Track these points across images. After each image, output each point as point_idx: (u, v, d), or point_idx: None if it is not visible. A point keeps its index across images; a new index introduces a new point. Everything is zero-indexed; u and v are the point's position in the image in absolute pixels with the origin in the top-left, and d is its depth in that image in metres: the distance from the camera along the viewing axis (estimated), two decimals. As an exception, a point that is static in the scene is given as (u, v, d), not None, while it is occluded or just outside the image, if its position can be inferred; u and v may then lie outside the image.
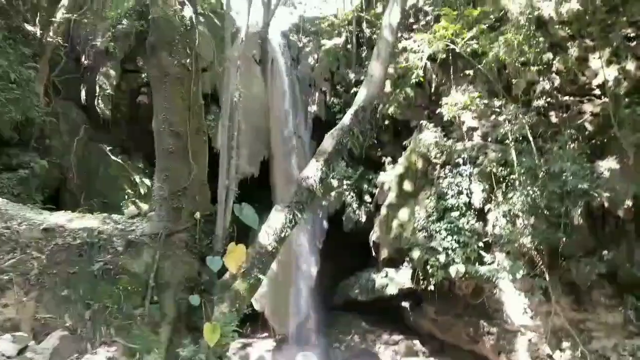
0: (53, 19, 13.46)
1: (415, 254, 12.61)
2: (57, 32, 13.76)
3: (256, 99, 16.38)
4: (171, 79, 5.54)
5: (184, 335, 5.13)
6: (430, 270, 12.38)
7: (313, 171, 6.55)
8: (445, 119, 13.25)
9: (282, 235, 6.21)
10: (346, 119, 7.00)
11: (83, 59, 15.22)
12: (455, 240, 12.25)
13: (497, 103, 12.57)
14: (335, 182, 16.40)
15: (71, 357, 3.90)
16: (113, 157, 14.36)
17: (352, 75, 17.11)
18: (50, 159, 12.62)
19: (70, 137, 14.02)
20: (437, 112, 14.45)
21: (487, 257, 11.96)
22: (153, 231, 5.32)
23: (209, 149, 14.75)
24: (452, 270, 12.01)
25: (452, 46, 12.77)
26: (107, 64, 14.97)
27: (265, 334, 15.45)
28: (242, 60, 16.93)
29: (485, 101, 12.63)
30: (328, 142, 6.78)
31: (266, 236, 6.20)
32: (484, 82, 13.34)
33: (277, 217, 6.30)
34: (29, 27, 13.68)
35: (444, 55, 13.86)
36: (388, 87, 15.84)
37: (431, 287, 12.52)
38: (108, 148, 14.70)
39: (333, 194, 16.29)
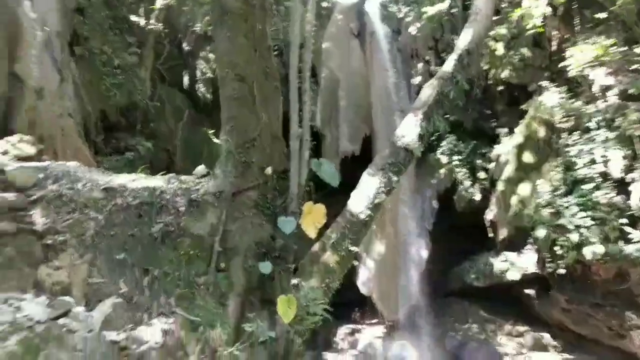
0: (153, 7, 13.74)
1: (540, 233, 10.99)
2: (159, 19, 14.04)
3: (356, 74, 15.61)
4: (232, 16, 4.89)
5: (257, 309, 4.50)
6: (559, 252, 10.71)
7: (410, 127, 5.59)
8: (571, 74, 11.36)
9: (376, 201, 5.36)
10: (448, 65, 5.92)
11: (184, 45, 15.48)
12: (589, 216, 10.45)
13: (638, 51, 10.44)
14: (444, 158, 15.09)
15: (124, 327, 3.43)
16: (215, 140, 14.39)
17: (457, 40, 15.55)
18: (156, 142, 12.88)
19: (175, 121, 14.29)
20: (559, 72, 12.57)
21: (634, 235, 10.00)
22: (218, 189, 4.76)
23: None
24: (587, 251, 10.25)
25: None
26: (207, 47, 15.05)
27: (375, 320, 14.72)
28: (339, 34, 16.28)
29: (624, 48, 10.57)
30: (427, 92, 5.75)
31: (358, 203, 5.38)
32: (619, 29, 11.20)
33: (369, 182, 5.46)
34: (133, 18, 14.13)
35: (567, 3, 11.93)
36: (500, 50, 14.17)
37: (561, 271, 10.82)
38: (211, 131, 14.79)
39: (442, 171, 14.99)
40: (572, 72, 11.17)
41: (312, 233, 4.65)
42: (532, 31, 12.03)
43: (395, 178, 5.49)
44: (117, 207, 4.44)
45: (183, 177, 5.13)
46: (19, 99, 7.84)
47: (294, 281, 4.87)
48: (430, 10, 16.44)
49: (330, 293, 5.10)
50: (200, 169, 5.33)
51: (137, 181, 4.89)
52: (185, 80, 15.57)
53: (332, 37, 15.93)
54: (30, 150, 5.57)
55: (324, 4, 16.61)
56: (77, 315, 2.97)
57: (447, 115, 13.12)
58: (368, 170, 5.55)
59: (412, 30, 16.80)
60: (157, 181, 4.94)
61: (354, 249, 5.21)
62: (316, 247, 5.32)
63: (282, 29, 15.15)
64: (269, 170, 4.81)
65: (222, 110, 4.91)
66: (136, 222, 4.40)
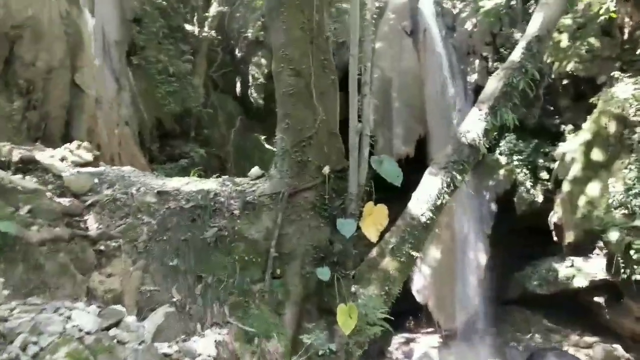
0: (207, 14, 13.96)
1: (613, 236, 10.22)
2: (212, 27, 14.25)
3: (408, 74, 15.20)
4: (287, 7, 4.71)
5: (314, 319, 4.27)
6: (635, 256, 9.92)
7: (475, 122, 5.21)
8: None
9: (439, 203, 5.01)
10: (516, 54, 5.50)
11: (237, 51, 15.63)
12: (668, 218, 9.64)
13: None
14: (503, 159, 14.44)
15: (176, 338, 3.30)
16: (268, 146, 14.41)
17: (518, 35, 14.82)
18: (209, 149, 13.02)
19: (227, 128, 14.43)
20: (632, 61, 11.72)
21: None
22: (274, 190, 4.57)
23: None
24: (667, 256, 9.44)
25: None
26: (258, 53, 15.13)
27: (430, 329, 14.21)
28: (391, 33, 15.95)
29: None
30: (493, 84, 5.36)
31: (418, 205, 5.07)
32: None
33: (431, 182, 5.13)
34: (187, 27, 14.41)
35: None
36: (565, 41, 13.41)
37: (636, 277, 10.02)
38: (263, 137, 14.82)
39: (501, 172, 14.33)
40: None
41: (373, 236, 4.39)
42: (603, 17, 11.24)
43: (459, 177, 5.12)
44: (170, 211, 4.36)
45: (237, 179, 5.01)
46: (79, 107, 8.08)
47: (352, 289, 4.64)
48: (487, 5, 15.86)
49: (390, 301, 4.81)
50: (255, 170, 5.20)
51: (190, 184, 4.82)
52: (238, 86, 15.71)
53: (384, 36, 15.62)
54: (88, 156, 5.66)
55: (376, 3, 16.31)
56: (128, 325, 2.87)
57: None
58: (430, 169, 5.23)
59: (468, 26, 16.24)
60: (211, 184, 4.85)
61: (415, 253, 4.89)
62: (374, 252, 5.05)
63: (332, 31, 15.03)
64: (326, 169, 4.57)
65: (277, 107, 4.75)
66: (189, 226, 4.30)
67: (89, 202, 4.30)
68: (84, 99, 8.07)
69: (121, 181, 4.72)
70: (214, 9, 14.32)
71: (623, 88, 11.09)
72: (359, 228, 4.46)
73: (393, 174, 4.38)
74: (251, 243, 4.32)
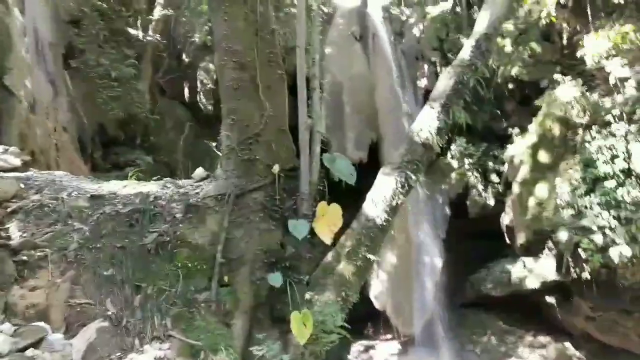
0: (151, 17, 13.43)
1: (562, 235, 10.41)
2: (156, 30, 13.73)
3: (359, 78, 15.18)
4: (230, -3, 4.44)
5: (266, 329, 3.96)
6: (583, 255, 10.13)
7: (428, 120, 5.11)
8: (588, 66, 10.88)
9: (394, 203, 4.85)
10: (465, 52, 5.47)
11: (184, 56, 15.15)
12: (613, 216, 9.89)
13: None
14: (455, 163, 14.58)
15: (111, 355, 2.92)
16: (218, 152, 13.93)
17: (464, 40, 15.08)
18: (157, 156, 12.46)
19: (176, 135, 13.91)
20: (571, 66, 12.11)
21: (666, 232, 9.45)
22: (219, 191, 4.25)
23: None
24: (614, 253, 9.69)
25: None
26: (206, 58, 14.71)
27: (389, 336, 14.05)
28: (340, 38, 15.90)
29: (642, 37, 10.10)
30: (444, 82, 5.30)
31: (373, 206, 4.89)
32: (635, 16, 10.74)
33: (385, 182, 4.97)
34: (131, 31, 13.80)
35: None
36: (509, 46, 13.73)
37: (586, 276, 10.23)
38: (214, 143, 14.32)
39: (453, 176, 14.46)
40: (589, 62, 10.68)
41: (327, 238, 4.15)
42: (543, 21, 11.55)
43: (413, 177, 4.99)
44: (105, 217, 3.96)
45: (180, 182, 4.65)
46: (9, 112, 7.45)
47: (307, 295, 4.37)
48: (433, 11, 16.12)
49: (347, 307, 4.57)
50: (199, 171, 4.86)
51: (128, 187, 4.42)
52: (186, 92, 15.20)
53: (334, 41, 15.56)
54: (15, 161, 5.13)
55: (325, 9, 16.27)
56: (51, 344, 2.48)
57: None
58: (383, 170, 5.06)
59: (416, 31, 16.45)
60: (151, 186, 4.47)
61: (371, 257, 4.69)
62: (329, 257, 4.81)
63: (282, 36, 14.84)
64: (276, 167, 4.29)
65: (222, 103, 4.44)
66: (127, 232, 3.91)
67: (11, 208, 3.83)
68: (14, 103, 7.45)
69: (51, 186, 4.26)
70: (157, 12, 13.80)
71: (565, 90, 11.40)
72: (312, 230, 4.20)
73: (346, 171, 4.18)
74: (195, 249, 3.97)
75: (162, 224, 4.03)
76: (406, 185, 5.02)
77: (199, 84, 14.63)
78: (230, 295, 3.93)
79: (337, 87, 15.19)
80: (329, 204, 4.27)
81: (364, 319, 14.25)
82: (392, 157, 5.27)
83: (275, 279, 3.92)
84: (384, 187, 5.00)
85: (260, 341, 3.73)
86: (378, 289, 13.53)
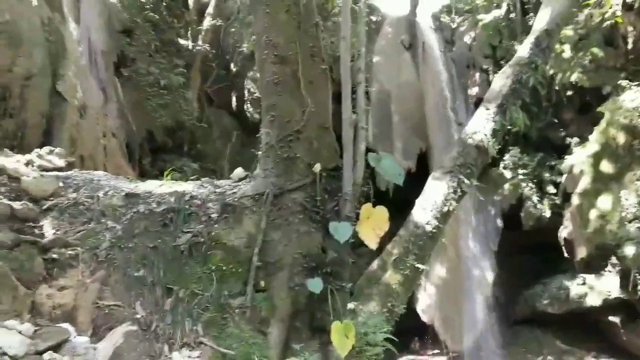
0: (200, 27, 13.67)
1: (629, 250, 9.67)
2: (205, 40, 13.95)
3: (407, 87, 14.90)
4: (272, -11, 4.27)
5: (305, 339, 3.68)
6: (652, 272, 9.35)
7: (482, 122, 4.76)
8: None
9: (445, 209, 4.51)
10: (523, 50, 5.10)
11: (232, 66, 15.31)
12: (686, 230, 9.09)
13: None
14: (508, 173, 13.97)
15: (138, 363, 2.76)
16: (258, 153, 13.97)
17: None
18: (203, 164, 12.57)
19: (223, 143, 14.02)
20: (638, 72, 11.37)
21: None
22: (257, 191, 4.04)
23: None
24: (687, 270, 8.86)
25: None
26: (254, 67, 14.77)
27: (437, 350, 13.55)
28: (389, 46, 15.67)
29: None
30: (500, 82, 4.94)
31: (422, 212, 4.57)
32: None
33: (435, 187, 4.64)
34: (181, 41, 14.11)
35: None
36: (567, 52, 13.09)
37: (655, 295, 9.42)
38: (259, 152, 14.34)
39: (507, 186, 13.86)
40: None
41: (372, 242, 3.86)
42: (608, 22, 10.89)
43: (466, 181, 4.63)
44: (138, 215, 3.84)
45: (218, 181, 4.49)
46: (61, 116, 7.64)
47: (351, 305, 4.09)
48: (486, 18, 15.64)
49: (394, 319, 4.26)
50: (239, 171, 4.69)
51: (164, 186, 4.31)
52: (234, 101, 15.33)
53: (382, 50, 15.36)
54: (59, 162, 5.17)
55: (373, 18, 16.11)
56: (74, 347, 2.33)
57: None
58: (434, 174, 4.74)
59: (467, 39, 16.00)
60: (187, 186, 4.34)
61: (420, 266, 4.36)
62: (375, 265, 4.52)
63: (330, 45, 14.76)
64: (317, 166, 4.04)
65: (262, 99, 4.26)
66: (160, 232, 3.77)
67: (47, 205, 3.78)
68: (66, 108, 7.63)
69: (88, 184, 4.21)
70: (207, 23, 14.02)
71: (631, 96, 10.67)
72: (355, 234, 3.91)
73: (393, 172, 3.89)
74: (231, 251, 3.77)
75: (197, 224, 3.86)
76: (459, 190, 4.67)
77: (246, 93, 14.71)
78: (266, 302, 3.70)
79: (385, 95, 14.98)
80: (374, 206, 3.98)
81: (411, 333, 13.82)
82: (443, 163, 4.97)
83: (315, 285, 3.65)
84: (435, 193, 4.68)
85: (297, 352, 3.46)
86: (426, 302, 13.07)
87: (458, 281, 13.36)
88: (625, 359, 11.71)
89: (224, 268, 3.66)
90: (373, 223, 3.94)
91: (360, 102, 4.05)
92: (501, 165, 14.08)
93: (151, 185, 4.43)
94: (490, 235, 13.80)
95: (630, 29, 12.00)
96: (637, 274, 9.76)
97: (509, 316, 13.67)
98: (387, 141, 14.23)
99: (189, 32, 14.53)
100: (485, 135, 4.77)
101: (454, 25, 17.05)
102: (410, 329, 13.70)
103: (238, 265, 3.75)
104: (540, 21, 5.18)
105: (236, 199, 4.07)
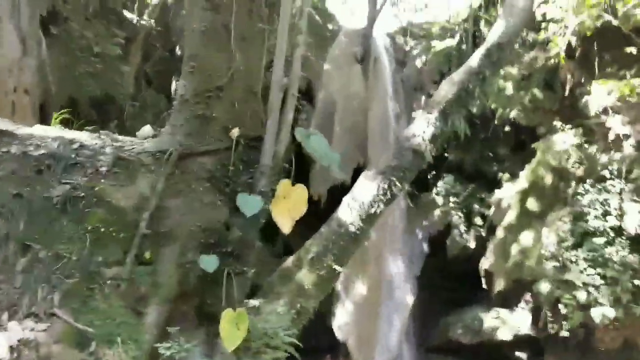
0: (149, 2, 12.87)
1: (544, 287, 9.84)
2: (152, 17, 13.14)
3: (354, 99, 14.71)
4: None
5: (191, 326, 3.18)
6: (563, 311, 9.54)
7: (422, 126, 4.52)
8: (592, 112, 10.51)
9: (372, 211, 4.20)
10: (473, 60, 4.97)
11: (177, 49, 14.55)
12: (599, 274, 9.36)
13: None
14: (439, 199, 14.07)
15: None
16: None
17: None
18: (130, 142, 11.66)
19: (155, 128, 13.10)
20: (571, 117, 11.81)
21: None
22: (160, 148, 3.51)
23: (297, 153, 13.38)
24: (596, 313, 9.11)
25: (607, 17, 10.08)
26: (200, 54, 14.09)
27: (348, 369, 13.24)
28: (341, 57, 15.51)
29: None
30: (446, 88, 4.75)
31: (348, 211, 4.23)
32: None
33: (365, 187, 4.32)
34: (126, 13, 13.23)
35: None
36: (510, 89, 13.45)
37: (564, 334, 9.60)
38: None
39: (437, 212, 13.94)
40: (593, 110, 10.30)
41: (285, 225, 3.42)
42: (553, 60, 11.23)
43: (398, 184, 4.35)
44: (7, 156, 3.20)
45: (121, 137, 3.90)
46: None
47: (254, 302, 3.63)
48: (438, 45, 15.87)
49: (301, 322, 3.84)
50: (147, 129, 4.11)
51: (51, 131, 3.68)
52: (173, 86, 14.52)
53: (334, 59, 15.15)
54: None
55: (330, 26, 15.98)
56: None
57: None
58: (366, 173, 4.42)
59: (418, 63, 16.16)
60: (81, 134, 3.72)
61: (337, 268, 3.99)
62: (290, 261, 4.11)
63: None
64: (235, 131, 3.56)
65: (185, 48, 3.75)
66: (30, 178, 3.13)
67: None
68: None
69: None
70: (156, -1, 13.27)
71: (562, 138, 11.02)
72: (268, 214, 3.45)
73: (322, 152, 3.48)
74: (115, 211, 3.20)
75: (81, 176, 3.27)
76: (389, 193, 4.38)
77: (188, 79, 14.00)
78: (148, 277, 3.14)
79: (330, 104, 14.73)
80: (294, 184, 3.55)
81: (323, 350, 13.49)
82: (387, 153, 4.67)
83: (209, 263, 3.15)
84: (364, 192, 4.36)
85: (173, 337, 2.93)
86: (343, 319, 12.76)
87: (377, 301, 13.16)
88: (527, 395, 11.96)
89: (103, 230, 3.08)
90: (290, 203, 3.51)
91: (296, 67, 3.64)
92: (434, 190, 14.20)
93: (38, 130, 3.78)
94: (415, 258, 13.78)
95: (569, 76, 12.47)
96: (548, 311, 9.91)
97: (424, 342, 13.64)
98: (301, 33, 13.90)
99: (136, 5, 13.66)
100: (424, 140, 4.54)
101: (407, 48, 17.21)
102: (324, 346, 13.37)
103: (121, 230, 3.17)
104: (494, 34, 5.10)
105: (133, 154, 3.50)
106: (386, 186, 4.39)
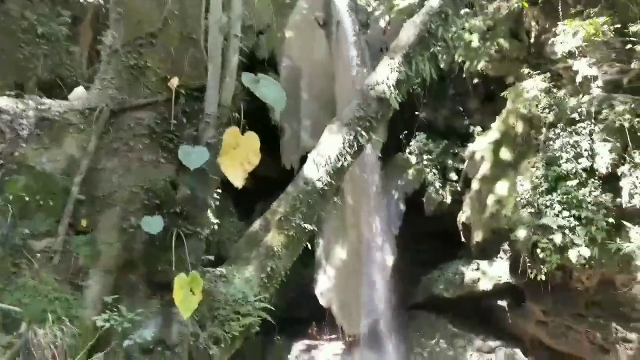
0: (94, -24, 12.10)
1: (521, 233, 9.88)
2: (100, -7, 12.38)
3: (319, 65, 14.40)
4: None
5: (141, 297, 2.92)
6: (541, 255, 9.60)
7: (385, 73, 4.29)
8: (558, 55, 10.41)
9: (339, 165, 3.99)
10: (434, 0, 4.73)
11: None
12: (574, 215, 9.42)
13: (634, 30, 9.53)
14: (413, 158, 14.00)
15: None
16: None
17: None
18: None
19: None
20: (538, 64, 11.72)
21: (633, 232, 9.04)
22: (89, 105, 3.20)
23: (262, 121, 12.89)
24: (572, 254, 9.20)
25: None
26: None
27: (334, 335, 13.32)
28: (303, 22, 15.07)
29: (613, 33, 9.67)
30: (408, 31, 4.52)
31: (314, 168, 4.01)
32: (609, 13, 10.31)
33: (330, 141, 4.11)
34: (72, -8, 12.47)
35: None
36: (475, 42, 13.27)
37: (542, 278, 9.69)
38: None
39: (411, 171, 13.88)
40: (559, 53, 10.19)
41: (237, 178, 3.13)
42: (516, 5, 11.06)
43: (365, 135, 4.14)
44: None
45: (49, 100, 3.56)
46: None
47: (222, 269, 3.40)
48: (401, 3, 15.52)
49: (273, 287, 3.64)
50: (80, 90, 3.75)
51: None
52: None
53: (296, 25, 14.73)
54: None
55: (290, -7, 15.46)
56: None
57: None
58: (330, 127, 4.20)
59: (382, 23, 15.85)
60: (2, 100, 3.38)
61: (307, 226, 3.79)
62: (256, 225, 3.89)
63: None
64: (174, 81, 3.24)
65: (110, -6, 3.42)
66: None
67: None
68: None
69: None
70: (103, -28, 12.50)
71: (531, 84, 10.94)
72: (216, 167, 3.17)
73: (273, 95, 3.20)
74: (40, 177, 2.90)
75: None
76: (355, 144, 4.17)
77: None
78: (87, 247, 2.86)
79: (295, 72, 14.39)
80: (243, 132, 3.27)
81: (309, 319, 13.53)
82: (352, 104, 4.39)
83: (152, 225, 2.87)
84: (329, 147, 4.16)
85: (111, 307, 2.66)
86: (325, 285, 12.72)
87: (358, 265, 13.14)
88: (510, 341, 12.22)
89: (28, 199, 2.79)
90: (240, 154, 3.23)
91: (237, 4, 3.30)
92: (407, 150, 14.11)
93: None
94: (392, 219, 13.74)
95: (533, 23, 12.34)
96: (526, 257, 9.98)
97: (407, 301, 13.74)
98: (295, 119, 13.69)
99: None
100: (388, 86, 4.31)
101: (369, 9, 16.86)
102: (308, 314, 13.40)
103: (49, 197, 2.88)
104: (454, -28, 4.91)
105: (58, 114, 3.17)
106: (352, 137, 4.18)
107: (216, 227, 9.92)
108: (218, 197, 11.11)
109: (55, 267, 2.70)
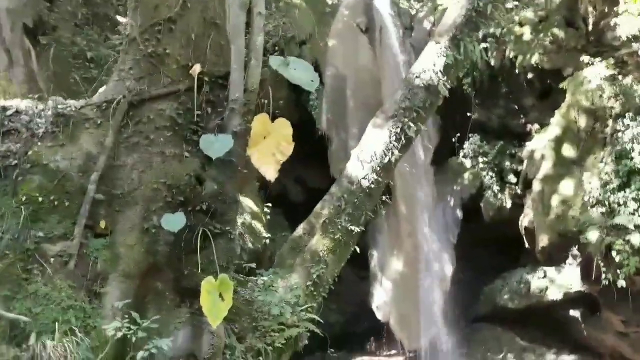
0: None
1: (592, 235, 9.10)
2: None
3: (364, 72, 14.16)
4: None
5: (169, 305, 2.63)
6: (617, 259, 8.78)
7: (432, 59, 3.94)
8: (623, 37, 9.65)
9: (386, 160, 3.63)
10: (480, -25, 4.38)
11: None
12: (652, 213, 8.59)
13: None
14: (467, 162, 13.38)
15: None
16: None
17: (480, 33, 13.98)
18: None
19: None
20: (598, 52, 10.96)
21: None
22: (106, 97, 2.99)
23: (309, 132, 12.72)
24: (654, 256, 8.33)
25: None
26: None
27: (393, 351, 12.83)
28: (345, 29, 14.92)
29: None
30: (453, 11, 4.17)
31: (359, 165, 3.67)
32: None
33: (375, 136, 3.77)
34: (120, 18, 12.92)
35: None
36: (528, 34, 12.64)
37: (621, 283, 8.85)
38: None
39: (466, 176, 13.26)
40: (623, 32, 9.44)
41: (269, 170, 2.82)
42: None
43: (412, 126, 3.76)
44: None
45: (71, 101, 3.42)
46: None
47: (265, 279, 3.10)
48: (446, 2, 15.10)
49: (320, 295, 3.31)
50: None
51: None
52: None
53: (338, 33, 14.59)
54: None
55: (329, 1, 15.42)
56: None
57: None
58: (374, 121, 3.85)
59: (426, 24, 15.44)
60: (19, 102, 3.26)
61: (354, 228, 3.43)
62: (300, 229, 3.58)
63: (281, 25, 13.96)
64: (196, 67, 2.99)
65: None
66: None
67: None
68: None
69: None
70: None
71: (594, 72, 10.19)
72: (246, 160, 2.85)
73: (305, 77, 2.88)
74: (54, 176, 2.70)
75: (14, 143, 2.82)
76: (403, 137, 3.81)
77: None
78: (105, 250, 2.61)
79: (340, 80, 14.21)
80: (273, 120, 2.94)
81: (366, 333, 13.12)
82: (397, 94, 4.02)
83: (174, 222, 2.57)
84: (374, 142, 3.82)
85: (122, 313, 2.37)
86: (382, 299, 12.31)
87: (415, 276, 12.63)
88: (587, 355, 11.30)
89: (41, 200, 2.59)
90: (271, 143, 2.90)
91: None
92: (461, 153, 13.52)
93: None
94: (449, 227, 13.19)
95: (590, 9, 11.58)
96: (600, 262, 9.16)
97: (469, 313, 13.07)
98: (342, 127, 13.45)
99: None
100: (435, 72, 3.93)
101: (413, 12, 16.55)
102: (366, 328, 12.99)
103: (65, 197, 2.67)
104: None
105: (74, 109, 2.99)
106: (399, 130, 3.82)
107: (268, 241, 9.80)
108: (269, 211, 11.03)
109: (71, 273, 2.49)
